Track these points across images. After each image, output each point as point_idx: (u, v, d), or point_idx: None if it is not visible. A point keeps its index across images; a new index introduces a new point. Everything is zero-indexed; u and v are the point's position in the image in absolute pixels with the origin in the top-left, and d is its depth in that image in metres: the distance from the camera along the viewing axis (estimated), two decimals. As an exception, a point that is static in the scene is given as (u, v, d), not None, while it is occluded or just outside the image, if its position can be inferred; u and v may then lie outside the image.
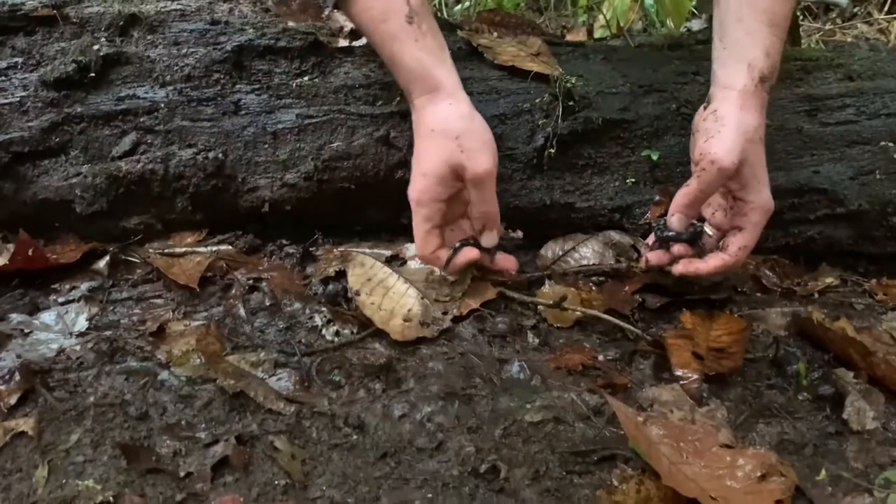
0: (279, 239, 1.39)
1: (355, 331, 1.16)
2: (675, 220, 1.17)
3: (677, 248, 1.19)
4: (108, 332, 1.15)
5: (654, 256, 1.22)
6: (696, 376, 1.07)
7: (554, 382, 1.07)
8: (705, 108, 1.18)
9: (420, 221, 1.16)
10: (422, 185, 1.15)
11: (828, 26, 2.59)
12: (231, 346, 1.13)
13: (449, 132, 1.15)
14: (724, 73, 1.18)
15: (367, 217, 1.39)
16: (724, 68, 1.18)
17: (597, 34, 2.48)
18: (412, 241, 1.35)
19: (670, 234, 1.19)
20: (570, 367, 1.10)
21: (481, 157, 1.13)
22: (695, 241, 1.19)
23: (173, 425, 0.98)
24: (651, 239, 1.23)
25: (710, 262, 1.16)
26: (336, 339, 1.14)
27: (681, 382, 1.07)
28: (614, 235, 1.36)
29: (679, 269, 1.17)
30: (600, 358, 1.12)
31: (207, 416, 1.00)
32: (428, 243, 1.17)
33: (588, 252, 1.33)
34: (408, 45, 1.17)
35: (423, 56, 1.17)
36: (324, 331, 1.16)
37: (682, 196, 1.15)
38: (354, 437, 0.98)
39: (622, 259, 1.32)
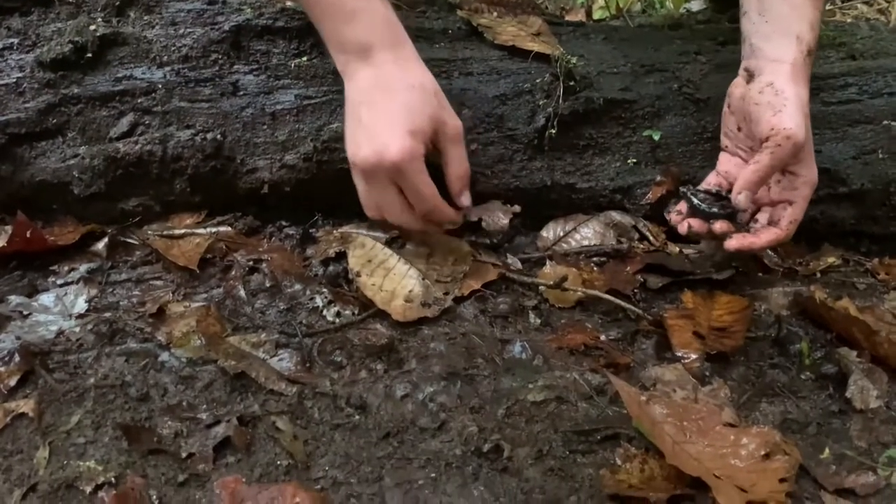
0: (279, 220, 1.38)
1: (356, 312, 1.16)
2: (742, 198, 1.13)
3: (719, 226, 1.16)
4: (107, 314, 1.14)
5: (697, 224, 1.19)
6: (697, 356, 1.07)
7: (556, 362, 1.07)
8: (749, 80, 1.18)
9: (426, 177, 1.10)
10: (409, 143, 1.06)
11: (827, 6, 2.57)
12: (231, 327, 1.12)
13: (428, 88, 1.11)
14: (770, 46, 1.16)
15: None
16: (768, 42, 1.17)
17: (595, 15, 2.47)
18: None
19: (713, 209, 1.18)
20: (571, 347, 1.09)
21: (455, 115, 1.13)
22: (734, 218, 1.18)
23: (174, 406, 0.97)
24: (682, 206, 1.23)
25: (763, 237, 1.15)
26: (337, 320, 1.14)
27: (683, 362, 1.06)
28: (615, 216, 1.35)
29: (733, 244, 1.14)
30: (602, 338, 1.12)
31: (209, 396, 0.99)
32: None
33: (589, 233, 1.33)
34: (377, 3, 1.14)
35: (390, 15, 1.15)
36: (325, 312, 1.16)
37: (753, 173, 1.11)
38: (357, 417, 0.97)
39: (623, 239, 1.32)
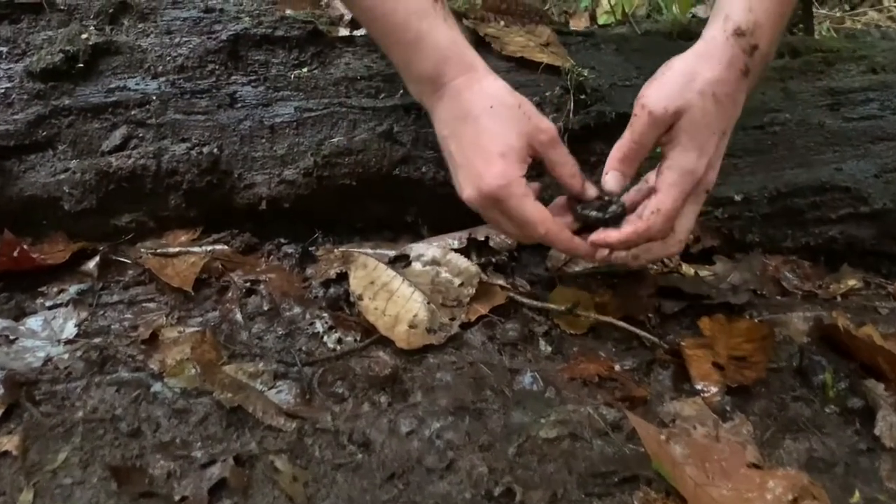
0: (277, 237, 1.32)
1: (358, 338, 1.10)
2: (609, 179, 1.03)
3: (599, 235, 1.03)
4: (97, 339, 1.09)
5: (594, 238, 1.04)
6: (717, 388, 1.02)
7: (569, 394, 1.02)
8: None
9: (528, 202, 1.01)
10: (501, 167, 0.99)
11: (837, 13, 2.52)
12: (228, 354, 1.07)
13: (510, 103, 1.03)
14: (706, 29, 1.03)
15: (369, 214, 1.33)
16: (707, 25, 1.04)
17: (601, 20, 2.42)
18: (416, 239, 1.30)
19: (592, 213, 1.04)
20: (585, 378, 1.04)
21: (544, 118, 1.05)
22: (619, 222, 1.02)
23: (167, 443, 0.92)
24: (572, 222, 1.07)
25: (623, 230, 1.00)
26: (338, 348, 1.09)
27: (703, 395, 1.01)
28: (628, 235, 1.29)
29: (591, 238, 1.02)
30: (617, 368, 1.06)
31: (203, 432, 0.94)
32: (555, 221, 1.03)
33: (601, 253, 1.27)
34: (438, 23, 1.04)
35: (455, 35, 1.06)
36: (325, 338, 1.11)
37: (616, 149, 1.02)
38: (359, 455, 0.92)
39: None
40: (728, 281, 1.24)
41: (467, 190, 1.04)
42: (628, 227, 1.00)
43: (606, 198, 1.05)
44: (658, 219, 0.98)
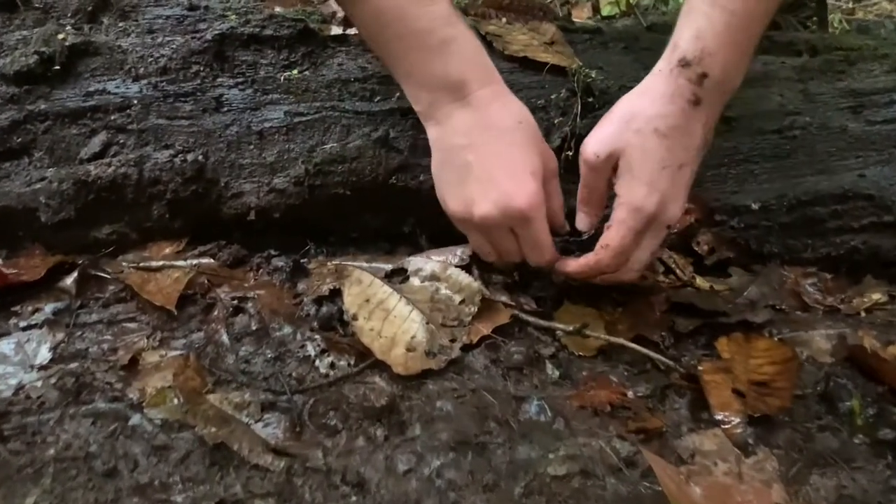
0: (267, 249, 1.25)
1: (352, 362, 1.03)
2: (578, 219, 1.09)
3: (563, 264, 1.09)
4: (73, 365, 1.02)
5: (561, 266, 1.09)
6: (739, 419, 0.94)
7: (579, 426, 0.95)
8: None
9: (545, 224, 1.04)
10: (534, 187, 1.00)
11: (850, 4, 2.44)
12: (212, 381, 1.00)
13: (533, 124, 1.05)
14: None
15: (363, 224, 1.26)
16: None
17: (604, 11, 2.34)
18: (414, 251, 1.23)
19: (570, 238, 1.12)
20: (595, 407, 0.97)
21: (548, 146, 1.10)
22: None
23: (145, 486, 0.85)
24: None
25: (576, 261, 1.06)
26: (331, 373, 1.02)
27: (723, 427, 0.94)
28: (638, 247, 1.22)
29: (556, 265, 1.09)
30: (629, 394, 0.99)
31: (184, 472, 0.87)
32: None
33: (610, 266, 1.20)
34: (465, 30, 1.01)
35: (480, 46, 1.03)
36: (317, 362, 1.03)
37: (579, 190, 1.08)
38: (353, 498, 0.85)
39: (647, 274, 1.19)
40: (745, 296, 1.17)
41: (486, 207, 1.01)
42: (581, 259, 1.05)
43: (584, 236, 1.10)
44: (607, 254, 1.01)
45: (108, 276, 1.19)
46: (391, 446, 0.91)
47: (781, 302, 1.18)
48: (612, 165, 1.00)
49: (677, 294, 1.15)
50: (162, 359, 1.04)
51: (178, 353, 1.05)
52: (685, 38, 0.98)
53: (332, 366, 1.03)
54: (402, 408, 0.97)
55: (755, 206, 1.22)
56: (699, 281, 1.20)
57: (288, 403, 0.96)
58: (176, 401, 0.96)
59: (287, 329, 1.09)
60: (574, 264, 1.05)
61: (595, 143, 1.00)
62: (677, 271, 1.20)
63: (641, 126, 0.98)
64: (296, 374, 1.02)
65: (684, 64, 0.97)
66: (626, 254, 1.02)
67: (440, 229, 1.22)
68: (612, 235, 1.00)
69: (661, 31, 1.50)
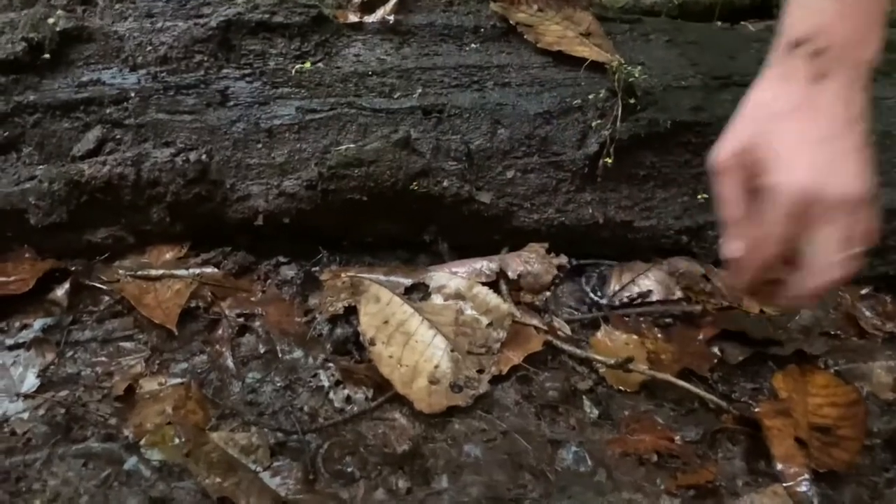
0: (275, 256, 1.15)
1: (370, 395, 0.94)
2: (726, 245, 0.86)
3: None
4: (64, 393, 0.93)
5: None
6: (801, 472, 0.85)
7: (622, 477, 0.85)
8: None
9: None
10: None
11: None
12: (217, 414, 0.91)
13: None
14: None
15: (380, 232, 1.15)
16: None
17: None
18: (434, 260, 1.14)
19: None
20: (640, 454, 0.88)
21: None
22: None
23: (140, 548, 0.76)
24: None
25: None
26: (347, 408, 0.92)
27: (785, 485, 0.84)
28: (682, 263, 1.12)
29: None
30: (677, 439, 0.90)
31: (185, 532, 0.78)
32: None
33: (651, 284, 1.10)
34: None
35: None
36: (331, 394, 0.94)
37: (720, 212, 0.85)
38: (374, 565, 0.76)
39: (691, 294, 1.09)
40: (797, 321, 1.07)
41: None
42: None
43: None
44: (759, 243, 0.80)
45: (103, 287, 1.09)
46: (415, 500, 0.82)
47: (836, 326, 1.08)
48: (746, 166, 0.82)
49: (725, 318, 1.05)
50: (161, 387, 0.95)
51: (179, 380, 0.95)
52: (798, 16, 0.84)
53: (347, 399, 0.93)
54: (426, 451, 0.87)
55: (809, 221, 1.10)
56: (747, 302, 1.10)
57: (299, 444, 0.87)
58: (177, 440, 0.87)
59: (298, 352, 1.00)
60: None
61: (721, 148, 0.85)
62: (724, 291, 1.10)
63: (762, 114, 0.84)
64: (308, 408, 0.92)
65: (797, 44, 0.83)
66: (787, 242, 0.80)
67: (465, 238, 1.13)
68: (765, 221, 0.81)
69: (702, 18, 1.39)
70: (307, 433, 0.88)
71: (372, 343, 0.98)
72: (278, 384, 0.96)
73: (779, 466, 0.86)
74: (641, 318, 1.06)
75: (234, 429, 0.89)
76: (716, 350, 1.02)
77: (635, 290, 1.10)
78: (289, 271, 1.13)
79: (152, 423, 0.89)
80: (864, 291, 1.14)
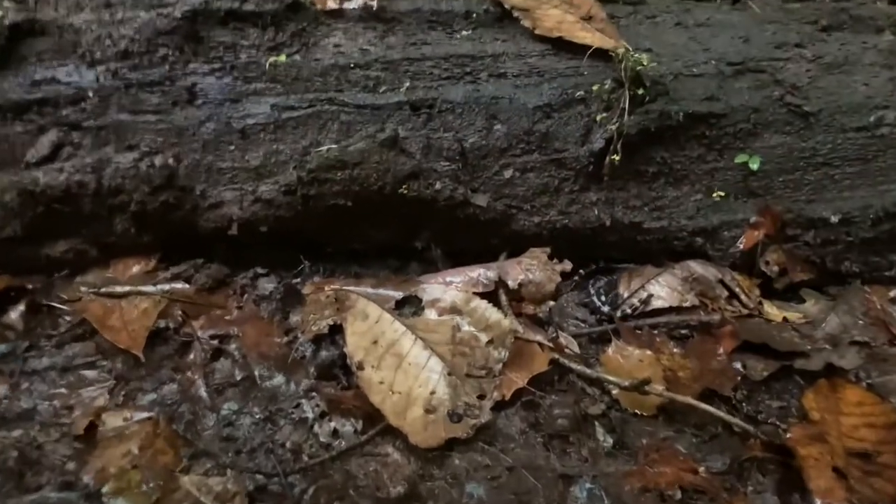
0: (253, 267, 1.07)
1: (359, 427, 0.85)
2: None
3: None
4: (18, 432, 0.84)
5: None
6: (841, 506, 0.76)
7: (643, 517, 0.76)
8: None
9: None
10: None
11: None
12: (189, 453, 0.82)
13: None
14: None
15: (368, 239, 1.06)
16: None
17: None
18: (427, 268, 1.05)
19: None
20: (662, 489, 0.79)
21: None
22: None
23: None
24: None
25: None
26: (334, 443, 0.83)
27: (825, 523, 0.75)
28: (696, 267, 1.04)
29: None
30: (701, 470, 0.81)
31: None
32: None
33: (663, 291, 1.01)
34: None
35: None
36: (316, 427, 0.85)
37: None
38: None
39: (708, 300, 1.00)
40: (824, 329, 0.98)
41: None
42: None
43: None
44: None
45: (63, 308, 1.00)
46: (413, 555, 0.73)
47: (866, 335, 0.99)
48: None
49: (745, 328, 0.96)
50: (126, 423, 0.85)
51: (146, 414, 0.86)
52: None
53: (334, 433, 0.84)
54: (423, 492, 0.78)
55: (834, 219, 1.02)
56: (768, 308, 1.01)
57: (281, 488, 0.78)
58: (144, 486, 0.77)
59: (278, 378, 0.91)
60: None
61: None
62: (742, 297, 1.01)
63: None
64: (290, 444, 0.83)
65: None
66: None
67: (460, 243, 1.04)
68: None
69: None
70: (290, 475, 0.79)
71: (360, 367, 0.89)
72: (257, 416, 0.86)
73: (817, 502, 0.77)
74: (655, 331, 0.97)
75: (207, 471, 0.80)
76: (738, 365, 0.93)
77: (644, 294, 1.00)
78: (268, 284, 1.04)
79: (116, 466, 0.80)
80: (893, 294, 1.05)
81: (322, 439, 0.84)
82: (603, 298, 1.02)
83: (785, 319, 0.99)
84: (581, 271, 1.04)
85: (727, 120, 1.02)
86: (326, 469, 0.80)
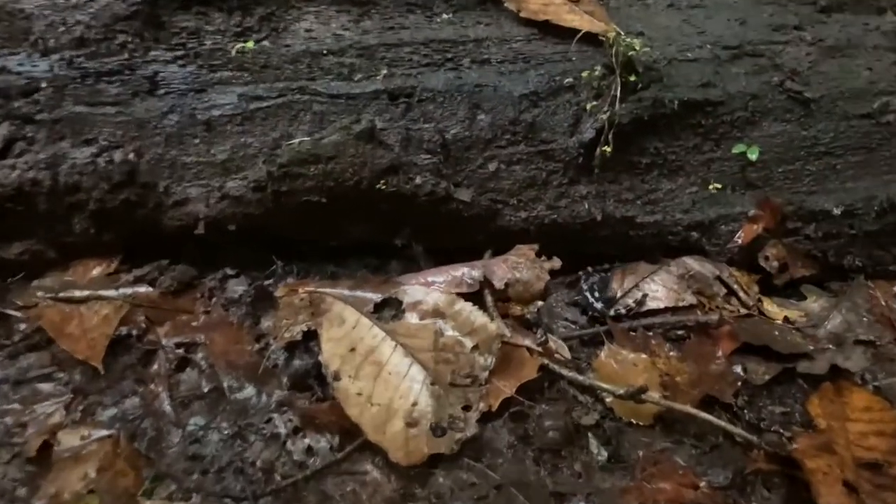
0: (222, 267, 1.01)
1: (335, 443, 0.79)
2: None
3: None
4: (-34, 454, 0.77)
5: None
6: (855, 525, 0.71)
7: (643, 540, 0.71)
8: None
9: None
10: None
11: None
12: (151, 475, 0.76)
13: None
14: None
15: (345, 236, 1.00)
16: None
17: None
18: (408, 266, 1.00)
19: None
20: (661, 507, 0.73)
21: None
22: None
23: None
24: None
25: None
26: (308, 461, 0.78)
27: (837, 544, 0.70)
28: (692, 263, 0.98)
29: None
30: (702, 485, 0.76)
31: None
32: None
33: (658, 289, 0.96)
34: None
35: None
36: (289, 444, 0.79)
37: None
38: None
39: (704, 299, 0.95)
40: (827, 328, 0.93)
41: None
42: None
43: None
44: None
45: (17, 315, 0.93)
46: (395, 586, 0.67)
47: (871, 333, 0.94)
48: None
49: (745, 329, 0.91)
50: (84, 442, 0.80)
51: (106, 432, 0.81)
52: None
53: (308, 450, 0.79)
54: (405, 514, 0.72)
55: (836, 211, 0.98)
56: (767, 306, 0.96)
57: (251, 513, 0.72)
58: (101, 513, 0.71)
59: (248, 390, 0.85)
60: None
61: None
62: (740, 294, 0.96)
63: None
64: (261, 463, 0.78)
65: None
66: None
67: (442, 240, 0.98)
68: None
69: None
70: (260, 497, 0.73)
71: (336, 377, 0.83)
72: (225, 432, 0.81)
73: (827, 518, 0.72)
74: (650, 332, 0.92)
75: (171, 495, 0.74)
76: (737, 368, 0.88)
77: (638, 294, 0.95)
78: (237, 287, 0.98)
79: (71, 491, 0.74)
80: (896, 289, 1.00)
81: (296, 457, 0.78)
82: (596, 295, 0.96)
83: (786, 318, 0.95)
84: (579, 273, 0.98)
85: (724, 107, 0.98)
86: (300, 490, 0.75)
